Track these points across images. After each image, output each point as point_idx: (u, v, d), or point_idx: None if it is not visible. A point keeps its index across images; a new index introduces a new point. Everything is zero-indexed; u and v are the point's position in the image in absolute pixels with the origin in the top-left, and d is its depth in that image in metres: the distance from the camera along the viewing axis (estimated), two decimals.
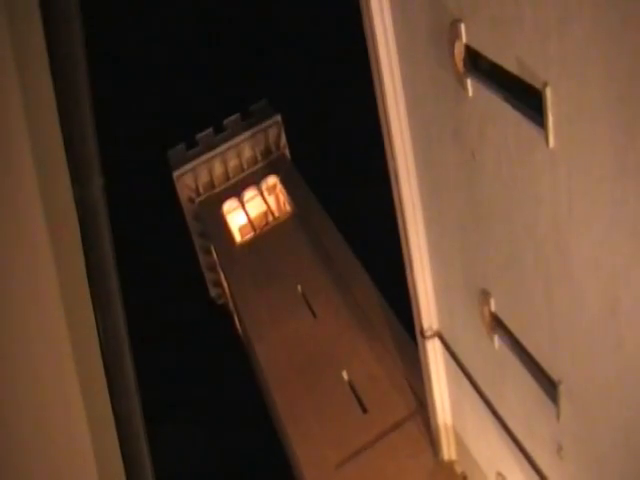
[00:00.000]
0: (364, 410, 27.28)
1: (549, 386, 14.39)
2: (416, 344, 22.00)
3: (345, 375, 28.62)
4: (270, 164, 43.16)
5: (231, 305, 42.06)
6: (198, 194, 43.11)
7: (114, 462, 5.02)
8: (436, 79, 14.34)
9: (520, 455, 16.81)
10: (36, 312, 3.97)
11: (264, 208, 41.73)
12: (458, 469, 23.36)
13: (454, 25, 12.64)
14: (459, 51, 12.91)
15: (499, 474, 19.33)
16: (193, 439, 46.82)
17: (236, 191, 42.15)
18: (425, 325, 20.49)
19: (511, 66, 11.48)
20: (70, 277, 4.39)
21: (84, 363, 4.55)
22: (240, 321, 37.59)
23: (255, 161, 43.63)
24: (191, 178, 42.76)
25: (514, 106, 11.97)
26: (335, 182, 49.85)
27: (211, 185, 43.12)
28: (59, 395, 4.30)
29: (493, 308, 15.91)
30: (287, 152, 44.42)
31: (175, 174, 42.84)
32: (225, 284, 40.93)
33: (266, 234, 38.31)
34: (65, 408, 4.37)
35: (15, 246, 3.68)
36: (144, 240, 48.71)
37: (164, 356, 47.54)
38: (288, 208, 40.45)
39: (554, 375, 14.01)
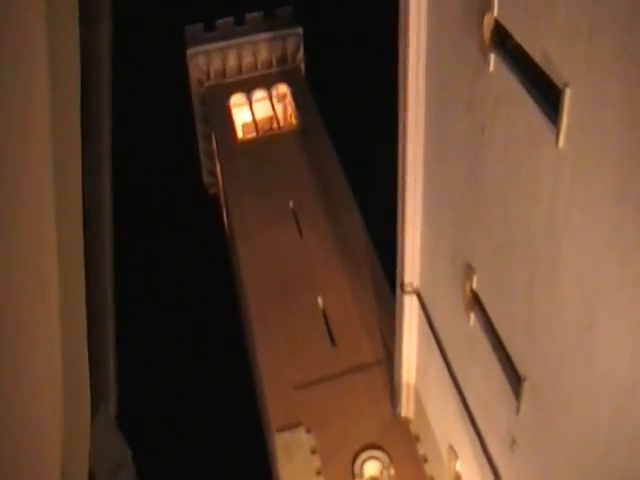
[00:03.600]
0: (333, 342, 27.80)
1: (514, 379, 14.76)
2: (394, 296, 22.32)
3: (320, 302, 29.11)
4: (283, 73, 43.37)
5: (222, 198, 42.48)
6: (208, 78, 43.40)
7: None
8: (460, 45, 14.25)
9: (474, 437, 17.32)
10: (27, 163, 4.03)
11: (270, 114, 41.79)
12: (413, 429, 23.99)
13: None
14: (488, 23, 12.80)
15: (451, 448, 19.93)
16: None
17: (246, 88, 42.21)
18: (406, 280, 20.78)
19: (536, 56, 11.44)
20: (64, 130, 4.47)
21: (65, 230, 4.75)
22: (228, 217, 37.98)
23: (269, 65, 43.81)
24: (204, 60, 43.01)
25: (531, 95, 11.97)
26: (343, 110, 49.74)
27: (222, 74, 43.28)
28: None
29: (475, 286, 16.16)
30: (302, 67, 44.59)
31: (189, 52, 43.21)
32: (219, 176, 41.26)
33: (268, 140, 38.54)
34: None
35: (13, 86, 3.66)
36: (145, 112, 48.92)
37: (147, 239, 48.42)
38: (294, 121, 40.64)
39: (521, 370, 14.36)
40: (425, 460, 23.21)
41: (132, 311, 39.87)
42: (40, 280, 4.62)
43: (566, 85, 10.74)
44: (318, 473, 23.70)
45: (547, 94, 11.49)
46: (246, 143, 38.78)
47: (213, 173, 46.46)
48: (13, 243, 3.69)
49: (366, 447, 24.16)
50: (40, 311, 4.65)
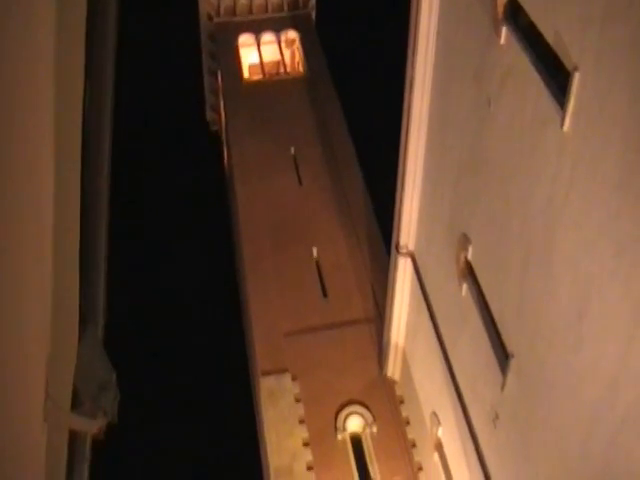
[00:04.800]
0: (324, 294, 27.99)
1: (502, 355, 14.93)
2: (389, 256, 22.43)
3: (315, 253, 29.23)
4: (293, 18, 43.11)
5: (224, 137, 42.44)
6: (218, 14, 43.11)
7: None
8: (473, 13, 14.17)
9: (458, 407, 17.56)
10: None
11: (278, 58, 41.52)
12: (397, 391, 24.26)
13: None
14: None
15: (434, 414, 20.19)
16: None
17: (255, 29, 41.91)
18: (402, 241, 20.87)
19: (548, 35, 11.39)
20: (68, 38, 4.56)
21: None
22: (229, 156, 37.95)
23: (280, 8, 43.57)
24: None
25: (540, 74, 11.96)
26: (350, 62, 49.50)
27: (232, 11, 42.98)
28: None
29: (469, 256, 16.24)
30: (313, 15, 44.19)
31: None
32: (223, 114, 41.16)
33: (274, 84, 38.39)
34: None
35: None
36: (152, 41, 48.81)
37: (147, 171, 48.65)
38: (301, 69, 40.43)
39: (509, 347, 14.52)
40: (407, 423, 23.53)
41: (127, 243, 40.10)
42: (34, 196, 4.67)
43: (575, 69, 10.73)
44: (301, 422, 24.03)
45: (556, 75, 11.48)
46: (252, 84, 38.60)
47: (217, 110, 46.33)
48: (6, 159, 3.72)
49: (350, 402, 24.47)
50: (32, 228, 4.71)
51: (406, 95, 18.16)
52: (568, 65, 10.96)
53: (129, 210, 42.01)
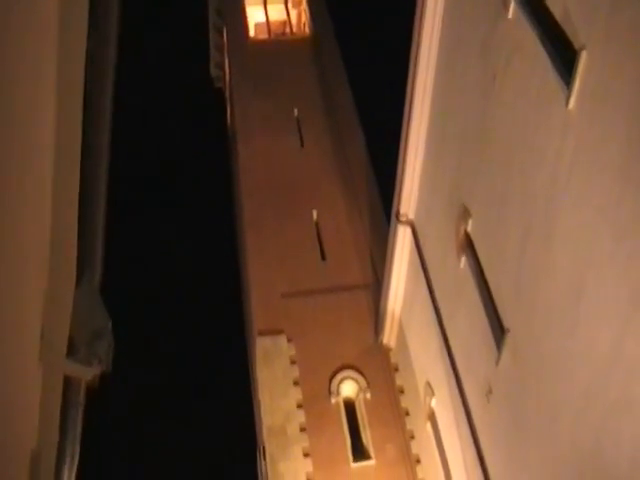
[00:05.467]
0: (323, 257, 28.04)
1: (498, 330, 15.01)
2: (388, 224, 22.46)
3: (315, 215, 29.24)
4: None
5: (227, 94, 42.17)
6: None
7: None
8: None
9: (452, 378, 17.68)
10: None
11: (284, 18, 41.19)
12: (392, 359, 24.39)
13: None
14: None
15: (428, 384, 20.33)
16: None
17: None
18: (402, 210, 20.88)
19: (557, 12, 11.34)
20: None
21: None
22: (232, 114, 37.78)
23: None
24: None
25: (547, 51, 11.91)
26: (357, 26, 49.26)
27: None
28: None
29: (469, 229, 16.26)
30: None
31: None
32: (227, 72, 40.88)
33: (279, 44, 38.14)
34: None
35: None
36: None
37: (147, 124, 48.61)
38: (307, 30, 40.08)
39: (505, 322, 14.59)
40: (401, 391, 23.69)
41: (126, 194, 40.12)
42: (34, 139, 4.68)
43: (583, 48, 10.70)
44: (295, 383, 24.18)
45: (563, 53, 11.42)
46: (257, 43, 38.28)
47: (221, 67, 45.99)
48: (8, 96, 3.73)
49: (345, 367, 24.59)
50: (32, 169, 4.71)
51: (411, 66, 18.07)
52: (576, 44, 10.93)
53: (129, 163, 41.99)
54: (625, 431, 10.36)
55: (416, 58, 17.73)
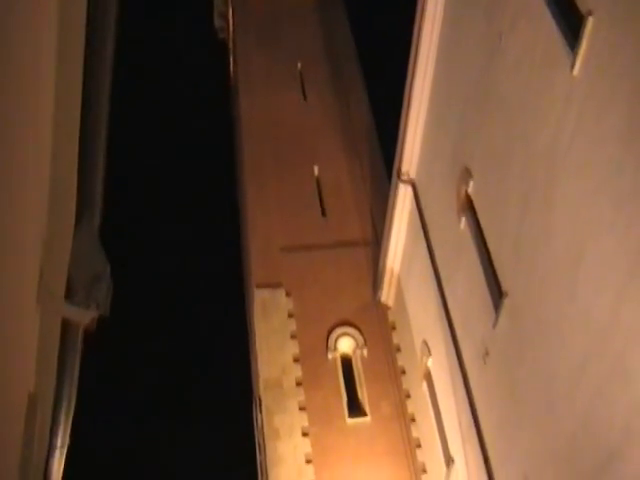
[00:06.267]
0: (323, 213, 28.04)
1: (496, 292, 15.10)
2: (389, 182, 22.43)
3: (316, 171, 29.18)
4: None
5: (230, 45, 41.78)
6: None
7: None
8: None
9: (449, 339, 17.78)
10: None
11: None
12: (390, 317, 24.49)
13: None
14: None
15: (425, 343, 20.45)
16: None
17: None
18: (404, 168, 20.86)
19: None
20: None
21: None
22: (235, 66, 37.47)
23: None
24: None
25: (553, 15, 11.83)
26: None
27: None
28: None
29: (470, 190, 16.25)
30: None
31: None
32: (231, 22, 40.43)
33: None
34: None
35: None
36: None
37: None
38: None
39: (504, 285, 14.66)
40: (398, 350, 23.82)
41: (127, 139, 40.05)
42: (33, 75, 4.69)
43: (590, 13, 10.64)
44: (292, 337, 24.31)
45: (569, 18, 11.35)
46: None
47: (225, 17, 45.48)
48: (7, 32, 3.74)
49: (342, 323, 24.71)
50: (32, 106, 4.72)
51: (416, 21, 17.91)
52: (582, 9, 10.88)
53: (130, 112, 41.88)
54: (619, 399, 10.47)
55: (421, 13, 17.58)
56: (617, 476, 10.65)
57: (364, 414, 22.91)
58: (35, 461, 6.69)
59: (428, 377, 20.51)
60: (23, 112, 4.41)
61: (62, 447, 8.33)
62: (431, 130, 19.17)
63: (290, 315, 24.79)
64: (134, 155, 43.78)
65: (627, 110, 9.88)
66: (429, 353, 20.20)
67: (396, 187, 21.52)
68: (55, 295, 6.18)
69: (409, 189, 20.98)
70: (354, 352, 24.24)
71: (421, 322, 21.16)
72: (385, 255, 23.47)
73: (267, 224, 27.09)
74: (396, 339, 24.05)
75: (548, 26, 11.91)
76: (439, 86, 18.21)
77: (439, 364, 19.36)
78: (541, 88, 12.44)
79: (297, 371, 23.63)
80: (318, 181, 28.92)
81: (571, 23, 11.28)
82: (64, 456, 8.68)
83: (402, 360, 23.51)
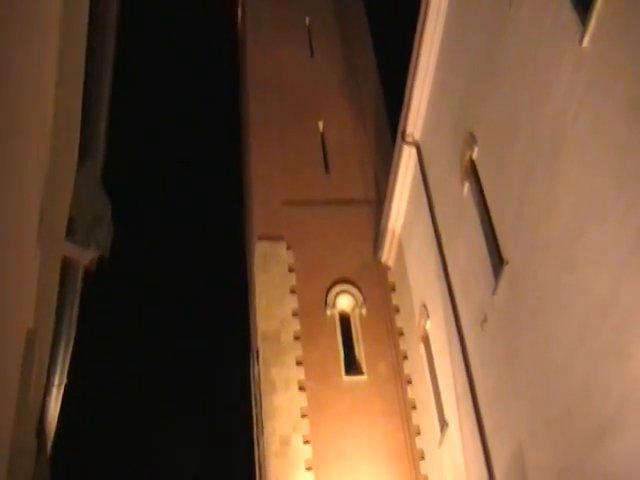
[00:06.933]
0: (327, 169, 27.95)
1: (497, 259, 15.16)
2: (394, 143, 22.38)
3: (321, 126, 29.06)
4: None
5: None
6: None
7: None
8: None
9: (448, 303, 17.84)
10: None
11: None
12: (390, 277, 24.54)
13: None
14: None
15: (424, 306, 20.53)
16: None
17: None
18: (408, 129, 20.80)
19: None
20: None
21: None
22: (242, 17, 37.12)
23: None
24: None
25: None
26: None
27: None
28: None
29: (474, 156, 16.21)
30: None
31: None
32: None
33: None
34: None
35: None
36: None
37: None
38: None
39: (505, 253, 14.71)
40: (397, 311, 23.92)
41: (130, 82, 39.87)
42: (42, 11, 4.65)
43: None
44: (292, 291, 24.40)
45: None
46: None
47: None
48: None
49: (342, 280, 24.78)
50: (36, 46, 4.69)
51: None
52: None
53: (133, 57, 41.61)
54: (616, 372, 10.55)
55: None
56: (611, 447, 10.78)
57: (361, 372, 23.07)
58: (32, 398, 6.76)
59: (426, 340, 20.62)
60: (26, 49, 4.36)
61: (59, 385, 8.46)
62: (437, 93, 19.07)
63: (290, 269, 24.85)
64: (137, 103, 43.55)
65: (635, 87, 9.82)
66: (427, 316, 20.30)
67: (400, 148, 21.49)
68: (56, 234, 6.21)
69: (413, 151, 20.93)
70: (353, 310, 24.34)
71: (421, 285, 21.22)
72: (387, 216, 23.49)
73: (270, 177, 27.06)
74: (395, 300, 24.14)
75: None
76: (447, 50, 18.08)
77: (437, 328, 19.45)
78: (549, 58, 12.36)
79: (295, 325, 23.73)
80: (323, 137, 28.83)
81: None
82: (61, 394, 8.81)
83: (400, 321, 23.62)
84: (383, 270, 24.87)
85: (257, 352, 24.47)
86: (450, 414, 18.45)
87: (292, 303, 24.16)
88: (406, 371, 22.76)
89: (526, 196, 13.53)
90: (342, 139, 28.59)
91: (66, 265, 6.96)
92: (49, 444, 10.09)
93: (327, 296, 24.46)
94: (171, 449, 44.28)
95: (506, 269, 14.56)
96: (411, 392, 22.42)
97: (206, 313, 50.06)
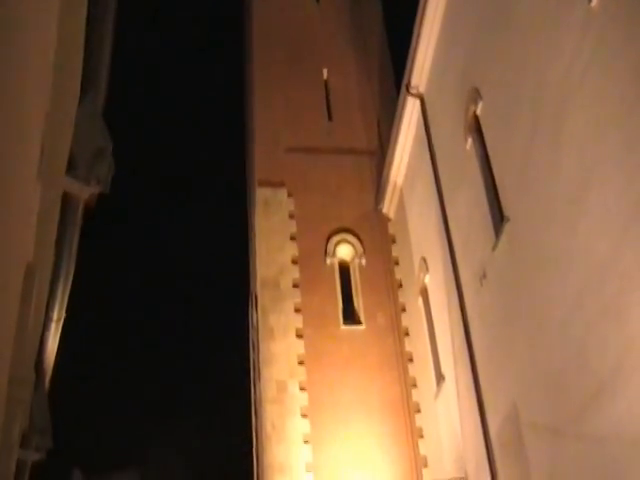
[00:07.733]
0: (330, 118, 27.77)
1: (498, 216, 15.15)
2: (398, 95, 22.21)
3: (325, 74, 28.80)
4: None
5: None
6: None
7: None
8: None
9: (448, 258, 17.86)
10: None
11: None
12: (390, 229, 24.49)
13: None
14: None
15: (423, 260, 20.53)
16: None
17: None
18: (413, 82, 20.62)
19: None
20: None
21: None
22: None
23: None
24: None
25: None
26: None
27: None
28: None
29: (478, 111, 16.09)
30: None
31: None
32: None
33: None
34: None
35: None
36: None
37: None
38: None
39: (506, 210, 14.68)
40: (396, 263, 23.92)
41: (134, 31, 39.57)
42: None
43: None
44: (292, 238, 24.36)
45: None
46: None
47: None
48: None
49: (342, 230, 24.75)
50: None
51: None
52: None
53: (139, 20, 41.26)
54: (613, 336, 10.60)
55: None
56: (605, 410, 10.88)
57: (359, 322, 23.14)
58: (31, 331, 6.79)
59: (424, 293, 20.67)
60: None
61: (58, 320, 8.50)
62: (443, 47, 18.88)
63: (291, 216, 24.79)
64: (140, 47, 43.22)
65: None
66: (427, 270, 20.31)
67: (404, 100, 21.34)
68: (56, 169, 6.19)
69: (417, 103, 20.79)
70: (352, 260, 24.33)
71: (421, 238, 21.20)
72: (389, 167, 23.40)
73: (273, 123, 26.86)
74: (395, 252, 24.13)
75: None
76: (455, 3, 17.85)
77: (436, 282, 19.48)
78: (558, 17, 12.22)
79: (295, 273, 23.73)
80: (326, 85, 28.56)
81: None
82: (60, 330, 8.86)
83: (400, 273, 23.64)
84: (384, 221, 24.83)
85: (256, 298, 24.53)
86: (447, 368, 18.55)
87: (292, 250, 24.14)
88: (404, 323, 22.82)
89: (529, 154, 13.46)
90: (346, 88, 28.33)
91: (66, 200, 6.94)
92: (47, 378, 10.20)
93: (327, 245, 24.43)
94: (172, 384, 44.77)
95: (507, 226, 14.54)
96: (408, 345, 22.51)
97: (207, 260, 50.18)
